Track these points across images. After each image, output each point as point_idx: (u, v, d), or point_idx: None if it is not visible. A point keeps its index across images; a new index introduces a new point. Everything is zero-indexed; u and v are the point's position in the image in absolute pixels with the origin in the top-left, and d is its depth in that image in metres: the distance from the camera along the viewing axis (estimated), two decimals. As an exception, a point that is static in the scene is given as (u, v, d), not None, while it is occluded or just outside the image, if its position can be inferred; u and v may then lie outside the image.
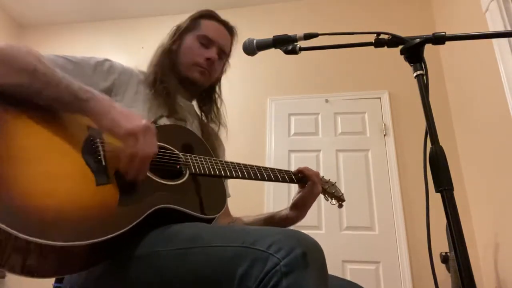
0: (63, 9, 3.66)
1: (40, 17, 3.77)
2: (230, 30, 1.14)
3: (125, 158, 0.70)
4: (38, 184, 0.60)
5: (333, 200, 1.16)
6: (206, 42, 1.07)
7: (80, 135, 0.72)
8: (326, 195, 1.14)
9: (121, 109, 0.73)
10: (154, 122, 0.91)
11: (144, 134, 0.70)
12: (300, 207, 1.06)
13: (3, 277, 2.69)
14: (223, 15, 1.16)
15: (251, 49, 0.90)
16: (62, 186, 0.63)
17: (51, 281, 2.05)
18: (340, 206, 1.17)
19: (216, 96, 1.18)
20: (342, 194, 1.17)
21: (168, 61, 1.05)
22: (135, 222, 0.66)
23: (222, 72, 1.18)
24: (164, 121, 0.94)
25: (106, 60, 0.95)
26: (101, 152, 0.72)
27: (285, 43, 0.87)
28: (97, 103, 0.72)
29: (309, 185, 1.04)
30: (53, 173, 0.63)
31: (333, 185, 1.16)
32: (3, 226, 0.52)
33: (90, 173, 0.68)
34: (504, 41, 1.98)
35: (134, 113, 0.76)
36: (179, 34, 1.09)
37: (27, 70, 0.68)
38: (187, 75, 1.05)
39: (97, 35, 3.71)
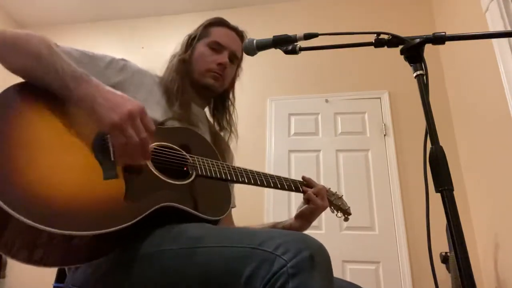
0: (63, 9, 3.66)
1: (40, 17, 3.77)
2: (240, 35, 1.15)
3: (117, 150, 0.70)
4: (48, 175, 0.62)
5: (339, 213, 1.15)
6: (217, 47, 1.08)
7: (92, 131, 0.74)
8: (332, 207, 1.13)
9: (106, 96, 0.70)
10: (163, 123, 0.92)
11: (130, 121, 0.68)
12: (306, 218, 1.05)
13: (3, 277, 2.69)
14: (223, 15, 1.17)
15: (251, 49, 0.90)
16: (70, 178, 0.65)
17: (51, 280, 2.06)
18: (346, 219, 1.15)
19: (229, 103, 1.20)
20: (349, 207, 1.16)
21: (184, 69, 1.07)
22: (139, 217, 0.67)
23: (235, 77, 1.20)
24: (173, 123, 0.95)
25: (122, 59, 0.97)
26: (111, 148, 0.73)
27: (285, 43, 0.87)
28: (81, 92, 0.70)
29: (318, 199, 1.04)
30: (62, 165, 0.66)
31: (340, 197, 1.16)
32: (12, 212, 0.54)
33: (98, 167, 0.69)
34: (504, 41, 1.98)
35: (119, 95, 0.72)
36: (191, 43, 1.10)
37: (33, 53, 0.72)
38: (201, 81, 1.07)
39: (97, 35, 3.71)
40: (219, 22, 1.13)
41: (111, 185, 0.69)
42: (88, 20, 3.77)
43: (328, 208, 1.11)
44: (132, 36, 3.59)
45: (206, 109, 1.18)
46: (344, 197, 1.18)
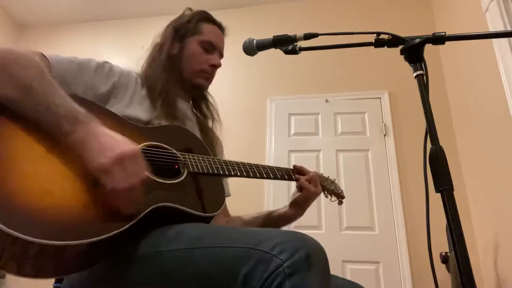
0: (63, 9, 3.66)
1: (40, 17, 3.77)
2: (223, 31, 1.15)
3: (110, 193, 0.64)
4: (37, 184, 0.60)
5: (333, 197, 1.16)
6: (209, 47, 1.08)
7: None
8: (326, 192, 1.14)
9: (99, 139, 0.65)
10: (148, 122, 0.91)
11: (120, 165, 0.63)
12: (300, 205, 1.06)
13: (3, 277, 2.69)
14: (223, 15, 1.17)
15: (251, 49, 0.91)
16: (60, 186, 0.63)
17: (51, 281, 2.05)
18: (340, 203, 1.17)
19: (206, 92, 1.18)
20: (342, 191, 1.17)
21: (172, 66, 1.05)
22: (134, 221, 0.66)
23: None
24: (160, 122, 0.94)
25: (106, 62, 0.95)
26: None
27: (285, 43, 0.87)
28: (75, 136, 0.65)
29: (311, 185, 1.04)
30: (51, 174, 0.63)
31: (333, 182, 1.16)
32: (1, 226, 0.52)
33: (88, 174, 0.67)
34: (504, 41, 1.98)
35: (114, 138, 0.67)
36: (179, 37, 1.08)
37: (22, 84, 0.65)
38: (193, 81, 1.06)
39: (97, 35, 3.71)
40: (208, 18, 1.12)
41: (103, 191, 0.66)
42: (88, 20, 3.77)
43: (322, 195, 1.12)
44: (132, 36, 3.59)
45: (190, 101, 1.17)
46: (343, 194, 1.18)
